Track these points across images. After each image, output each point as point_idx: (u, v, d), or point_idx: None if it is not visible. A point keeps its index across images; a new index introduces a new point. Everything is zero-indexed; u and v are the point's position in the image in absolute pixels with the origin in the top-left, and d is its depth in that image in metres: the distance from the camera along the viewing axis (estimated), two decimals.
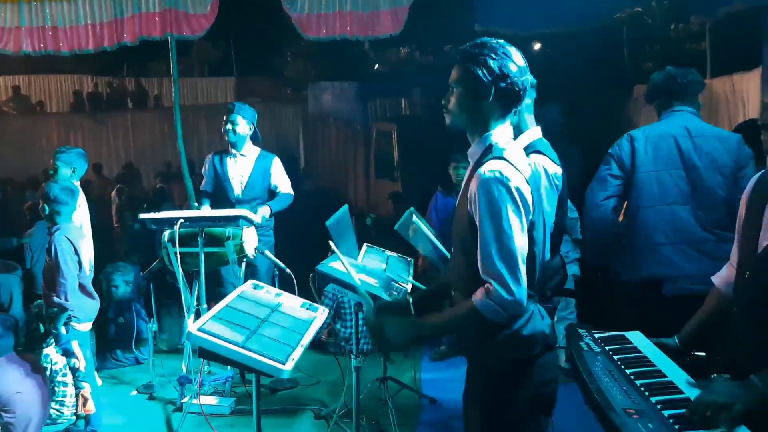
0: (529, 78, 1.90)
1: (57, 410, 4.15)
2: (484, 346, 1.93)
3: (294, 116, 11.47)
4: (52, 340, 3.95)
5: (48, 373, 4.11)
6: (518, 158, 1.87)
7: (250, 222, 4.35)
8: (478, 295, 1.83)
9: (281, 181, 4.87)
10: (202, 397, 4.24)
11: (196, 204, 4.85)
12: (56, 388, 4.14)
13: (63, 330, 3.63)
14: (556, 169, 1.93)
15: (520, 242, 1.80)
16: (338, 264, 3.12)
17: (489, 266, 1.80)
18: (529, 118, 2.42)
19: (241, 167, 4.78)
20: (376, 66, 13.11)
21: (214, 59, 14.32)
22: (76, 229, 3.78)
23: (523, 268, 1.80)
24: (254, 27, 11.64)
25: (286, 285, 3.90)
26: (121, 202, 8.32)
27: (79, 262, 3.70)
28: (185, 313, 4.39)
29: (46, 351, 4.15)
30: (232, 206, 4.65)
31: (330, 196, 8.53)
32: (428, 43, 11.19)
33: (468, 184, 1.90)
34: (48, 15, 5.82)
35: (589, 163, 4.34)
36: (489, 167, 1.80)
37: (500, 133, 1.91)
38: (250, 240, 4.39)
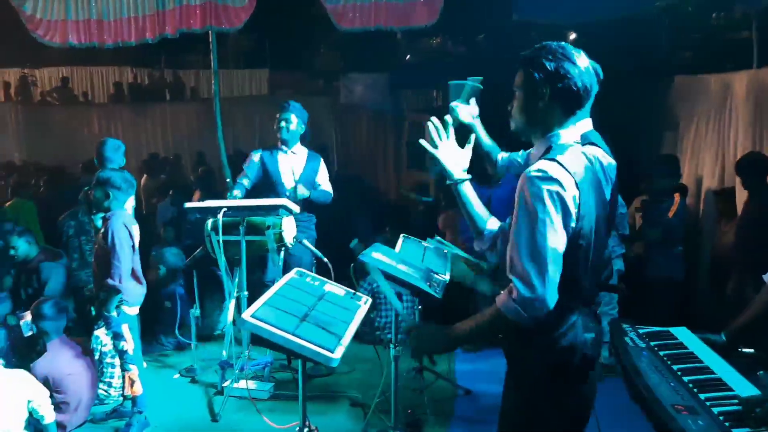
0: (593, 78, 1.88)
1: (105, 391, 4.30)
2: (523, 351, 1.90)
3: (326, 108, 11.51)
4: (103, 323, 4.08)
5: (97, 355, 4.27)
6: (573, 161, 1.80)
7: (290, 211, 4.43)
8: (502, 297, 1.80)
9: (325, 181, 5.05)
10: (241, 381, 4.36)
11: (234, 194, 4.95)
12: (104, 370, 4.29)
13: (114, 313, 3.76)
14: (609, 161, 1.92)
15: (553, 243, 1.74)
16: (380, 255, 3.17)
17: (516, 264, 1.76)
18: (584, 110, 2.39)
19: (292, 164, 4.88)
20: (408, 57, 13.06)
21: (248, 51, 14.44)
22: (129, 216, 3.90)
23: (552, 270, 1.74)
24: (288, 19, 11.70)
25: (322, 274, 3.97)
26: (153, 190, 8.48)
27: (133, 247, 3.82)
28: (226, 300, 4.50)
29: (96, 333, 4.29)
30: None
31: (361, 186, 8.58)
32: (461, 33, 11.09)
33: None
34: (93, 8, 5.96)
35: (627, 155, 4.30)
36: (536, 166, 1.78)
37: (566, 136, 1.88)
38: (289, 229, 4.48)
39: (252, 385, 4.35)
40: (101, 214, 4.22)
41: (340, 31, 6.66)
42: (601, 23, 6.75)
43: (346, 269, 3.74)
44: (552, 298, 1.74)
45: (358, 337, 5.37)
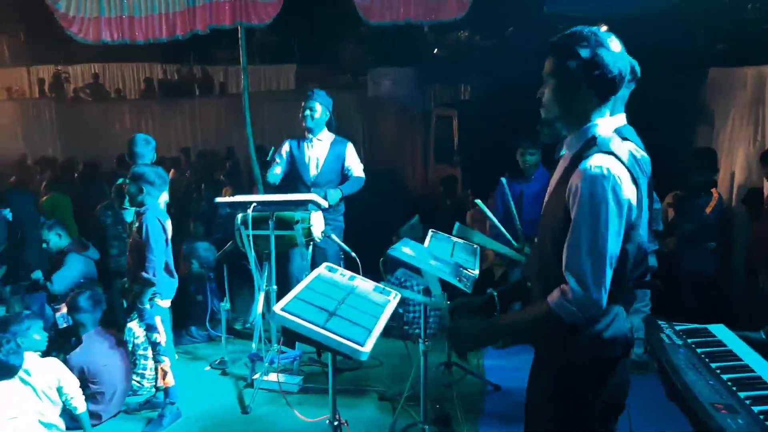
0: (627, 64, 1.85)
1: (138, 382, 4.38)
2: (564, 345, 1.89)
3: (353, 102, 11.52)
4: (136, 315, 4.16)
5: (130, 346, 4.35)
6: (624, 155, 1.79)
7: (319, 206, 4.46)
8: (555, 296, 1.79)
9: (355, 164, 5.01)
10: (270, 374, 4.40)
11: (275, 171, 4.98)
12: (137, 361, 4.38)
13: (147, 305, 3.82)
14: (643, 155, 1.88)
15: (614, 245, 1.74)
16: (409, 249, 3.17)
17: (574, 264, 1.75)
18: (619, 104, 2.36)
19: (316, 151, 4.91)
20: (436, 50, 12.97)
21: (276, 46, 14.53)
22: (162, 210, 3.96)
23: (608, 272, 1.74)
24: (315, 14, 11.73)
25: (350, 268, 3.98)
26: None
27: (166, 241, 3.88)
28: (256, 293, 4.54)
29: (129, 325, 4.37)
30: (308, 189, 4.79)
31: (389, 180, 8.57)
32: (490, 26, 10.98)
33: (564, 176, 1.86)
34: (125, 4, 6.03)
35: (660, 149, 4.21)
36: (596, 162, 1.74)
37: (603, 125, 1.85)
38: (317, 224, 4.51)
39: (281, 378, 4.39)
40: (133, 209, 4.30)
41: (367, 26, 6.64)
42: (634, 15, 6.64)
43: (374, 263, 3.73)
44: (606, 298, 1.75)
45: (385, 331, 5.35)
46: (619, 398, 1.95)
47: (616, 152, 1.76)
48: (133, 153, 4.72)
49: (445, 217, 6.85)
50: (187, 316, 5.38)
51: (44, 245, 4.95)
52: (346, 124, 11.03)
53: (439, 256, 3.39)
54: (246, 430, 3.93)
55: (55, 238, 4.93)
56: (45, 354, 3.85)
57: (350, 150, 5.01)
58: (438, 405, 3.94)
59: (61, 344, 4.22)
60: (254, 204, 4.28)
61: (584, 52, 1.79)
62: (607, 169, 1.73)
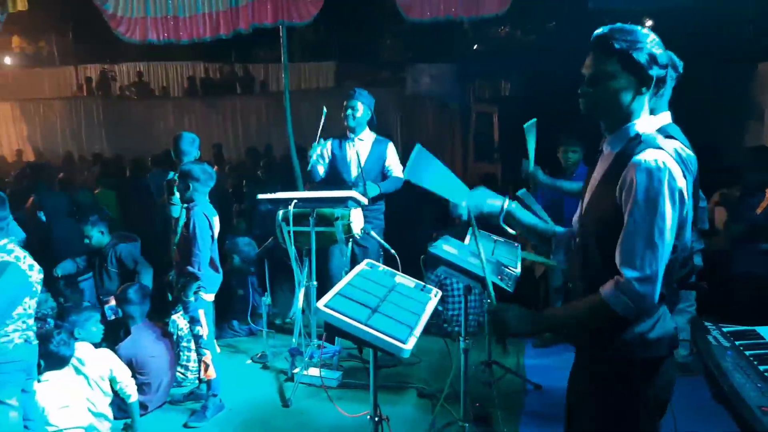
0: (669, 60, 1.82)
1: (182, 374, 4.50)
2: (609, 343, 1.86)
3: (392, 99, 11.53)
4: (180, 308, 4.26)
5: (174, 338, 4.46)
6: (670, 150, 1.77)
7: (358, 203, 4.49)
8: (608, 287, 1.77)
9: (395, 164, 5.02)
10: (310, 369, 4.46)
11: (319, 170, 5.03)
12: (181, 353, 4.49)
13: (192, 298, 3.92)
14: (689, 153, 1.85)
15: (669, 239, 1.73)
16: (450, 247, 3.17)
17: (630, 258, 1.73)
18: (663, 102, 2.32)
19: (358, 151, 4.92)
20: (476, 46, 12.87)
21: (316, 44, 14.65)
22: (210, 206, 4.05)
23: (662, 266, 1.73)
24: (355, 11, 11.78)
25: (390, 265, 4.00)
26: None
27: (212, 237, 3.97)
28: (296, 289, 4.61)
29: (174, 318, 4.49)
30: (348, 188, 4.81)
31: None
32: (532, 21, 10.86)
33: (609, 174, 1.85)
34: (170, 5, 6.19)
35: (707, 147, 4.11)
36: (650, 156, 1.72)
37: (645, 123, 1.84)
38: (357, 220, 4.54)
39: (321, 372, 4.44)
40: (179, 205, 4.41)
41: (407, 22, 6.63)
42: (680, 9, 6.49)
43: (413, 260, 3.74)
44: (659, 292, 1.75)
45: (425, 328, 5.41)
46: (664, 398, 1.92)
47: (668, 150, 1.75)
48: (179, 150, 4.84)
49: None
50: (229, 310, 5.49)
51: (86, 240, 5.11)
52: (384, 121, 11.04)
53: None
54: (287, 423, 4.00)
55: (97, 235, 5.08)
56: (95, 345, 3.99)
57: (391, 150, 5.03)
58: (478, 403, 3.92)
59: (109, 336, 4.36)
60: (295, 200, 4.33)
61: (626, 49, 1.76)
62: (663, 162, 1.71)
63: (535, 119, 3.72)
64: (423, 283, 2.87)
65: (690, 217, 1.84)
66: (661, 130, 1.86)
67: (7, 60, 16.30)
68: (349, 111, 4.89)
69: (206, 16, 6.21)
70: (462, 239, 3.71)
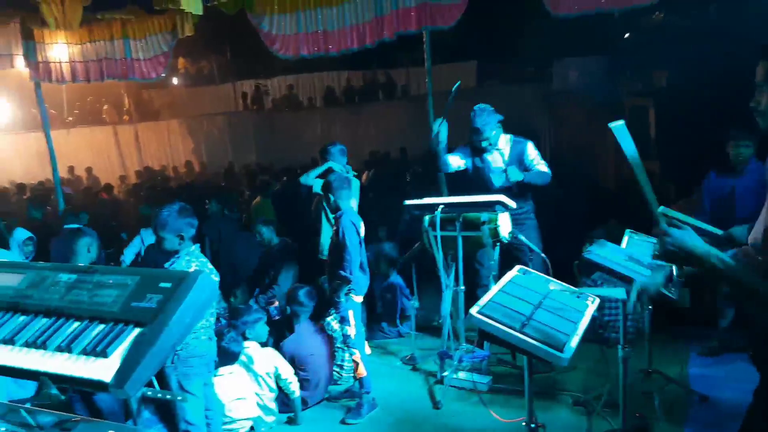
0: None
1: (338, 372, 4.72)
2: None
3: (537, 95, 11.23)
4: (333, 310, 4.48)
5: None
6: None
7: (506, 207, 4.43)
8: None
9: (537, 160, 4.91)
10: (460, 372, 4.47)
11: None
12: (336, 353, 4.71)
13: (343, 299, 4.11)
14: None
15: None
16: (605, 252, 3.04)
17: None
18: None
19: (499, 160, 4.89)
20: (627, 35, 12.15)
21: (456, 45, 14.64)
22: (356, 213, 4.23)
23: None
24: (497, 10, 11.62)
25: (539, 269, 3.91)
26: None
27: (360, 242, 4.15)
28: (444, 293, 4.65)
29: (328, 320, 4.73)
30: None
31: (577, 177, 8.20)
32: (688, 4, 10.04)
33: None
34: (320, 20, 6.48)
35: None
36: None
37: None
38: (504, 224, 4.47)
39: (471, 377, 4.44)
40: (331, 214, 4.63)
41: (551, 17, 6.41)
42: None
43: (564, 263, 3.63)
44: None
45: None
46: None
47: None
48: (326, 160, 5.10)
49: (642, 216, 6.42)
50: (378, 312, 5.67)
51: (257, 237, 5.61)
52: (529, 119, 10.78)
53: (638, 258, 3.21)
54: (439, 425, 4.04)
55: (268, 232, 5.60)
56: (261, 344, 4.31)
57: (531, 148, 4.93)
58: (638, 413, 3.73)
59: (273, 334, 4.68)
60: (442, 206, 4.37)
61: None
62: None
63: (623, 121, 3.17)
64: (578, 290, 2.79)
65: None
66: None
67: (175, 80, 18.12)
68: (475, 136, 4.86)
69: (353, 28, 6.42)
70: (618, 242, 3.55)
